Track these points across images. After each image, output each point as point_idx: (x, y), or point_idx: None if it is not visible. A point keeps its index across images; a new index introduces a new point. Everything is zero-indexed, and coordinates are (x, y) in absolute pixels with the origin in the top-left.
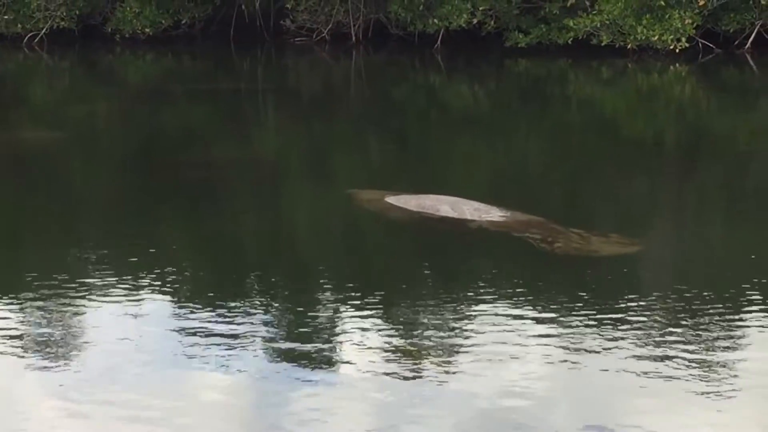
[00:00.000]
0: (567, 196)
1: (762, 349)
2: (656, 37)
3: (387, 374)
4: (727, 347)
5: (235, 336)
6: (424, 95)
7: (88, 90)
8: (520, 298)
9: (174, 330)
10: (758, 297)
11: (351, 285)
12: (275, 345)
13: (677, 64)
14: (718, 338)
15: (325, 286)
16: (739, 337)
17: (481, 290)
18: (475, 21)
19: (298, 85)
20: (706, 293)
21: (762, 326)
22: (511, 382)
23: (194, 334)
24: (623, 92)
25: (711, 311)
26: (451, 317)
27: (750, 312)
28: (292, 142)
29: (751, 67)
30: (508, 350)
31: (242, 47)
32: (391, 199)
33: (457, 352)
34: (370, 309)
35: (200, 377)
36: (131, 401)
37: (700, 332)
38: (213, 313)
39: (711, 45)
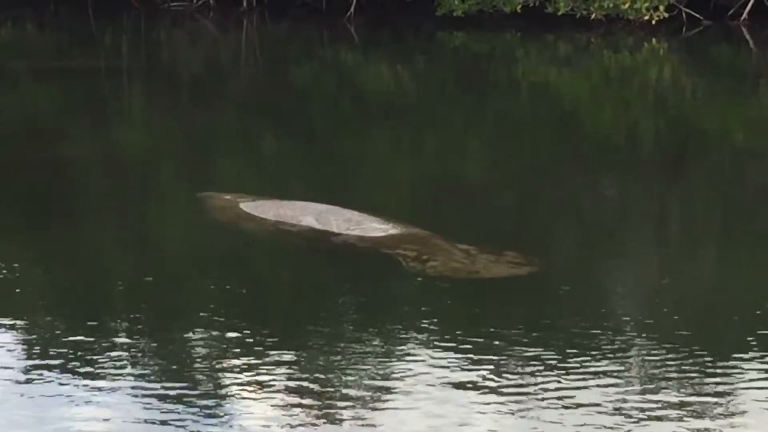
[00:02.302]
0: (480, 206)
1: (677, 396)
2: (627, 5)
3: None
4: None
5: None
6: (333, 78)
7: None
8: (364, 331)
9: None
10: (671, 334)
11: (166, 313)
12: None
13: (654, 40)
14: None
15: (128, 313)
16: (643, 380)
17: (318, 320)
18: None
19: (173, 64)
20: (590, 329)
21: (674, 370)
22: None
23: (45, 369)
24: (586, 75)
25: (586, 349)
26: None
27: (657, 352)
28: (157, 137)
29: (747, 42)
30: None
31: (102, 15)
32: (247, 206)
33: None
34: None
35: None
36: None
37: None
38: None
39: (698, 15)
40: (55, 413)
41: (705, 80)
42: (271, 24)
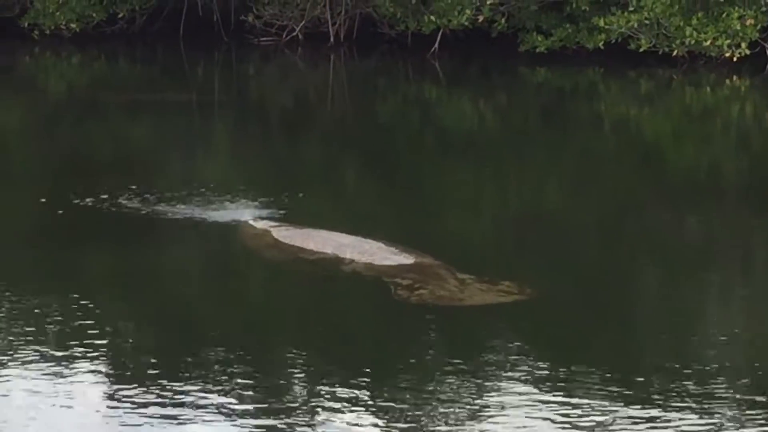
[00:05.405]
0: (531, 241)
1: None
2: (708, 42)
3: None
4: None
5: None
6: (415, 113)
7: None
8: (322, 354)
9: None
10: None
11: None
12: None
13: (736, 77)
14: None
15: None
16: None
17: (279, 340)
18: (481, 19)
19: (261, 98)
20: (551, 359)
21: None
22: None
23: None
24: (667, 111)
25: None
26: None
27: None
28: (240, 168)
29: None
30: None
31: (194, 49)
32: (280, 235)
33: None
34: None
35: None
36: None
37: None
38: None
39: None
40: None
41: None
42: (358, 59)
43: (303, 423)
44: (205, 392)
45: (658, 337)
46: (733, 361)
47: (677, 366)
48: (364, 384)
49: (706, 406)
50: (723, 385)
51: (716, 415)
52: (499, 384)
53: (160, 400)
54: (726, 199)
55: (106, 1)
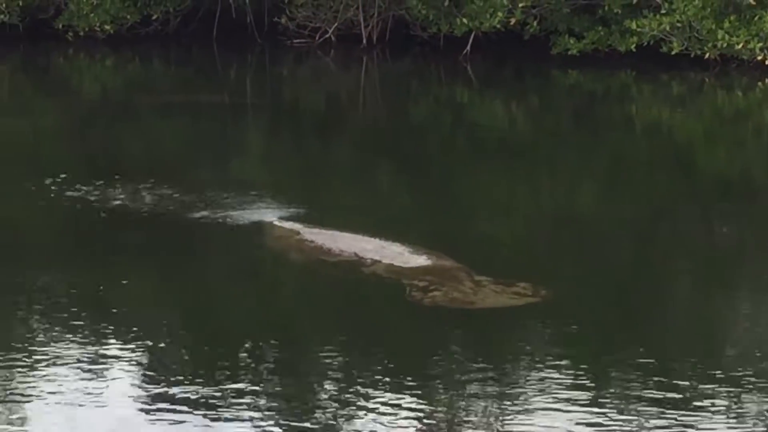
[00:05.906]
0: (547, 243)
1: None
2: (741, 45)
3: None
4: None
5: None
6: (447, 115)
7: (31, 101)
8: (326, 351)
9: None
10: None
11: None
12: None
13: (767, 80)
14: None
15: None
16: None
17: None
18: (513, 21)
19: (295, 99)
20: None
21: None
22: None
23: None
24: (699, 115)
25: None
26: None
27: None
28: (270, 169)
29: None
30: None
31: (228, 50)
32: (303, 237)
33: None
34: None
35: None
36: None
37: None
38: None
39: None
40: None
41: None
42: (391, 61)
43: (325, 419)
44: (230, 389)
45: (677, 342)
46: (762, 365)
47: (699, 370)
48: (379, 386)
49: (734, 411)
50: (752, 391)
51: (745, 422)
52: (502, 384)
53: (189, 398)
54: (757, 203)
55: (140, 2)
